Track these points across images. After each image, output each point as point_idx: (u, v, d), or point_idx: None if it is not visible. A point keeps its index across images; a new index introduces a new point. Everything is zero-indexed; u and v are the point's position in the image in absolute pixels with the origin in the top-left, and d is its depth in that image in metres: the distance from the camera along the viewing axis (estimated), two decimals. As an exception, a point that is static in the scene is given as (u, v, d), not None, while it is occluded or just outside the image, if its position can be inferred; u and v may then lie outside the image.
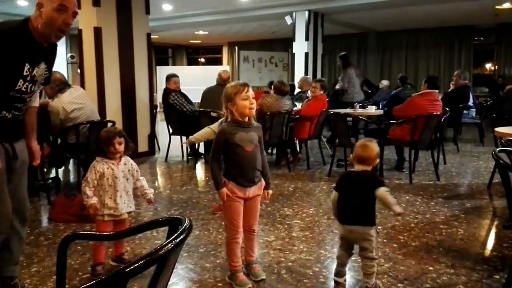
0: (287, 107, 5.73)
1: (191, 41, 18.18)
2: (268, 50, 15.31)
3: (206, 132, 4.27)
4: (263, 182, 2.64)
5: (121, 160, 2.77)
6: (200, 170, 6.09)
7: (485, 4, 9.49)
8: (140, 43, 6.67)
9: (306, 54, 10.62)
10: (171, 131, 6.61)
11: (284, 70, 13.42)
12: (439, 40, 13.58)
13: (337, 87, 8.00)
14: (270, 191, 2.71)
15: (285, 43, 14.42)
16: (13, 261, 2.46)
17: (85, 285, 0.97)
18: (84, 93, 4.80)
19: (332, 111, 6.15)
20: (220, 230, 3.48)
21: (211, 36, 16.02)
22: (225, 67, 16.30)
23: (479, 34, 13.57)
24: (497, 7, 9.78)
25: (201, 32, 15.16)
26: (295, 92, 8.54)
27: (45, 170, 4.94)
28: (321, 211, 4.07)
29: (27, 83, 2.21)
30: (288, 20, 10.70)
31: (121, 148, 2.73)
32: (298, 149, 6.41)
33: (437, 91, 5.36)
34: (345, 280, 2.60)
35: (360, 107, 6.83)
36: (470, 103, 7.98)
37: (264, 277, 2.67)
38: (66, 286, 1.57)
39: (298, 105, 6.60)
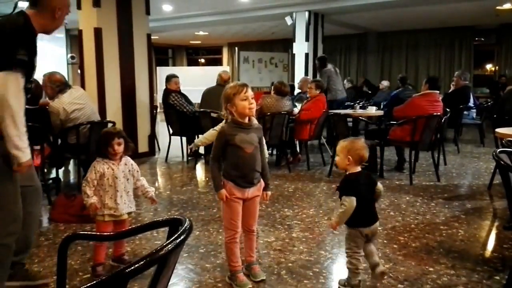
0: (287, 107, 5.73)
1: (191, 42, 18.19)
2: (268, 50, 15.32)
3: (211, 134, 4.26)
4: (262, 183, 2.64)
5: (121, 160, 2.77)
6: (200, 171, 6.09)
7: (485, 4, 9.48)
8: (140, 43, 6.67)
9: (306, 55, 10.61)
10: (171, 131, 6.61)
11: (284, 71, 13.43)
12: (439, 40, 13.57)
13: None
14: (269, 193, 2.71)
15: (285, 43, 14.43)
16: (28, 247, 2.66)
17: (85, 286, 0.97)
18: (85, 93, 4.80)
19: (332, 111, 6.15)
20: (220, 230, 3.48)
21: (211, 36, 16.02)
22: (225, 67, 16.31)
23: (480, 35, 13.57)
24: (497, 7, 9.78)
25: (201, 33, 15.16)
26: (295, 93, 8.55)
27: (45, 170, 4.94)
28: (321, 211, 4.07)
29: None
30: (288, 21, 10.70)
31: (120, 149, 2.72)
32: (298, 149, 6.41)
33: (438, 91, 5.36)
34: None
35: (343, 107, 6.90)
36: (471, 103, 7.97)
37: (264, 278, 2.66)
38: (67, 286, 1.56)
39: (298, 106, 6.60)
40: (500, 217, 3.96)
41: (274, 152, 6.61)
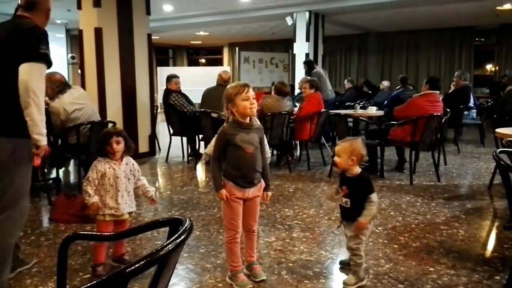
0: (287, 108, 5.73)
1: (191, 42, 18.19)
2: (268, 51, 15.33)
3: None
4: (262, 183, 2.63)
5: (122, 160, 2.77)
6: (200, 171, 6.09)
7: (485, 5, 9.48)
8: (141, 43, 6.67)
9: (307, 55, 10.61)
10: (171, 131, 6.62)
11: (284, 71, 13.43)
12: (439, 41, 13.58)
13: None
14: (270, 193, 2.70)
15: (286, 44, 14.44)
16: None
17: (85, 286, 0.97)
18: (85, 93, 4.80)
19: (332, 111, 6.15)
20: (221, 231, 3.48)
21: (212, 36, 16.02)
22: (226, 67, 16.31)
23: (480, 35, 13.58)
24: (498, 8, 9.78)
25: (201, 33, 15.17)
26: (296, 93, 8.56)
27: (45, 170, 4.95)
28: (321, 211, 4.07)
29: None
30: (289, 21, 10.71)
31: (119, 147, 2.72)
32: (298, 150, 6.42)
33: (438, 92, 5.36)
34: None
35: (335, 107, 6.95)
36: (471, 104, 7.97)
37: (264, 278, 2.66)
38: (67, 286, 1.56)
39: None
40: (500, 217, 3.96)
41: (275, 152, 6.61)
